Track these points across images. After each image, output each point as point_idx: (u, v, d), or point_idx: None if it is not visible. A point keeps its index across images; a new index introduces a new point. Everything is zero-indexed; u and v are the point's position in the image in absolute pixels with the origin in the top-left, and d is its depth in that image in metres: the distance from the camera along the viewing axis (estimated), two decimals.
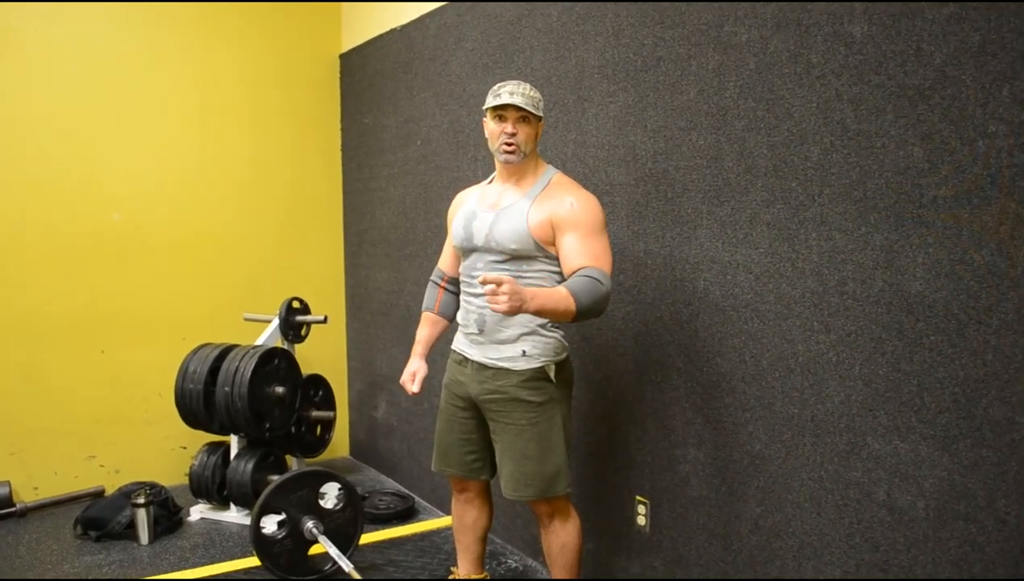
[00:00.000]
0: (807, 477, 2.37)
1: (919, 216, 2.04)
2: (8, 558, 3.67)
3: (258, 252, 4.91)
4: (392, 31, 4.48)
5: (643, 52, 2.84)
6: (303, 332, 4.50)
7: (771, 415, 2.46)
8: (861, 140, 2.16)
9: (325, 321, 4.43)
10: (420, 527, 4.03)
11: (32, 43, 4.20)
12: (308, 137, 5.06)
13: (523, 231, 2.56)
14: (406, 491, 4.53)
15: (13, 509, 4.15)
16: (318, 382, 4.58)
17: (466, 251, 2.73)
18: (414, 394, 2.94)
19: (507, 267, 2.60)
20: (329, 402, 4.63)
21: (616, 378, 3.06)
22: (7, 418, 4.25)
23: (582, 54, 3.11)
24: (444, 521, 4.06)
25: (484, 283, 2.24)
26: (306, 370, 4.44)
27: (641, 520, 2.99)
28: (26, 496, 4.29)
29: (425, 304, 3.04)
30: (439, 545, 3.77)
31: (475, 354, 2.72)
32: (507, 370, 2.64)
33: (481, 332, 2.67)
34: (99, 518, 3.88)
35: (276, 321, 4.37)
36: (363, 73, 4.84)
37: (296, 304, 4.46)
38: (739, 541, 2.60)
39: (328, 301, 5.06)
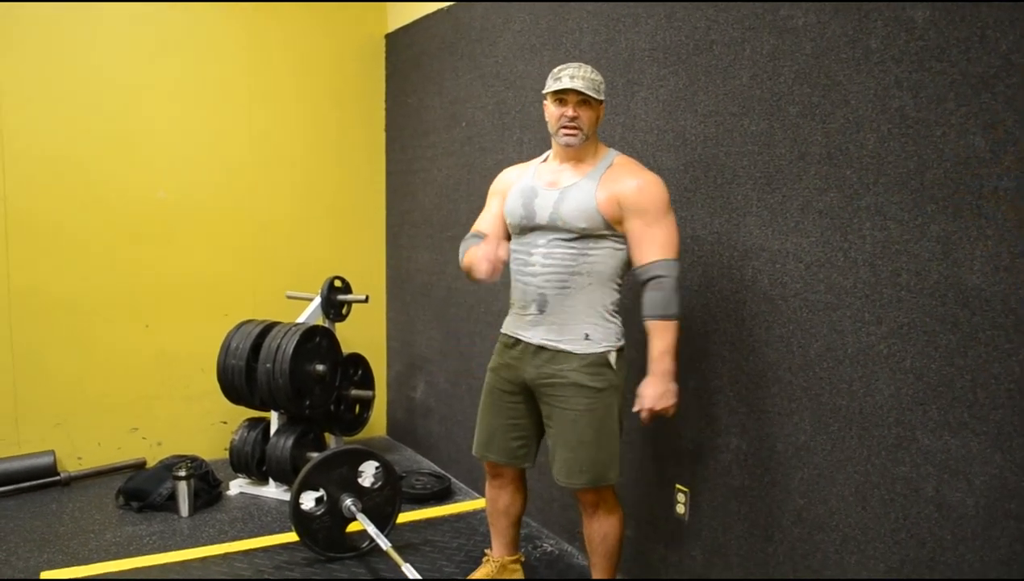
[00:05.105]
0: (853, 470, 2.33)
1: (979, 207, 1.99)
2: (52, 526, 3.74)
3: (301, 231, 4.93)
4: (439, 11, 4.46)
5: (695, 35, 2.79)
6: (344, 311, 4.53)
7: (818, 406, 2.43)
8: (920, 128, 2.11)
9: (366, 300, 4.46)
10: (456, 508, 4.04)
11: (81, 22, 4.24)
12: (352, 117, 5.06)
13: (592, 209, 2.53)
14: (442, 472, 4.54)
15: (58, 478, 4.23)
16: (358, 361, 4.61)
17: (524, 229, 2.67)
18: (501, 257, 2.52)
19: (574, 246, 2.56)
20: (368, 381, 4.65)
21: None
22: (53, 390, 4.32)
23: (632, 36, 3.07)
24: (480, 503, 4.06)
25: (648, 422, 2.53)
26: (346, 349, 4.46)
27: (680, 509, 2.97)
28: (70, 466, 4.37)
29: (466, 248, 2.77)
30: (475, 527, 3.78)
31: (532, 336, 2.67)
32: (568, 353, 2.60)
33: (542, 312, 2.62)
34: (141, 489, 3.94)
35: (318, 299, 4.39)
36: (408, 53, 4.83)
37: (338, 283, 4.48)
38: (780, 533, 2.57)
39: (369, 281, 5.08)
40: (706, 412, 2.83)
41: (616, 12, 3.14)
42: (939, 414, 2.10)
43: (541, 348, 2.65)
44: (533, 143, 3.64)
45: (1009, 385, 1.95)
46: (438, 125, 4.52)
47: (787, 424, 2.53)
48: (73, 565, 3.35)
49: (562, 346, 2.60)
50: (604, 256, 2.58)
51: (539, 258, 2.62)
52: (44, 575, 3.25)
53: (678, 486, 2.98)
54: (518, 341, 2.72)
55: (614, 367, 2.62)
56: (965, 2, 2.00)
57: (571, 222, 2.54)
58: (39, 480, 4.18)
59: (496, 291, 3.92)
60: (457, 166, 4.33)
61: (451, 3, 4.34)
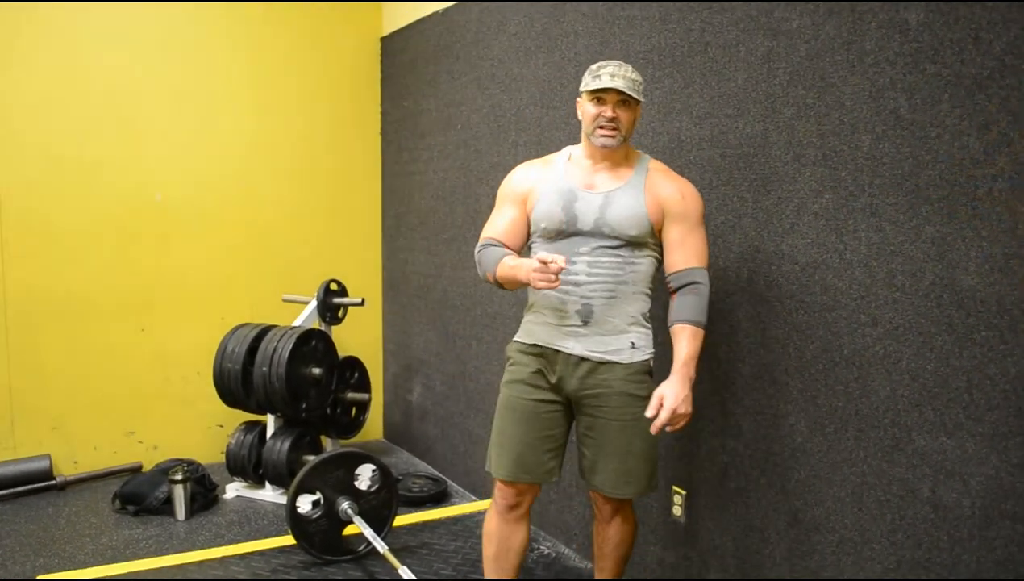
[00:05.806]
0: (849, 472, 2.33)
1: (973, 208, 1.99)
2: (48, 530, 3.74)
3: (297, 234, 4.93)
4: (434, 14, 4.47)
5: (690, 37, 2.80)
6: (340, 314, 4.52)
7: (814, 408, 2.43)
8: (915, 130, 2.11)
9: (362, 303, 4.45)
10: (453, 511, 4.04)
11: (79, 22, 4.24)
12: (348, 120, 5.06)
13: (642, 216, 2.46)
14: (439, 474, 4.54)
15: (54, 482, 4.22)
16: (354, 364, 4.60)
17: (563, 234, 2.51)
18: (561, 267, 2.30)
19: (620, 254, 2.48)
20: (364, 384, 4.65)
21: (655, 368, 3.03)
22: (49, 393, 4.31)
23: (627, 39, 3.07)
24: (477, 505, 4.06)
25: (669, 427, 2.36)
26: (342, 352, 4.46)
27: (677, 510, 2.97)
28: (66, 470, 4.36)
29: (492, 259, 2.56)
30: (471, 529, 3.77)
31: (574, 347, 2.53)
32: (612, 363, 2.51)
33: (586, 323, 2.51)
34: (137, 493, 3.93)
35: (314, 302, 4.39)
36: (404, 56, 4.83)
37: (334, 286, 4.48)
38: (777, 534, 2.57)
39: (365, 284, 5.08)
40: (703, 414, 2.83)
41: (611, 14, 3.15)
42: (935, 415, 2.10)
43: (583, 359, 2.54)
44: (528, 145, 3.64)
45: (1004, 386, 1.95)
46: (434, 128, 4.52)
47: (783, 426, 2.53)
48: (69, 569, 3.34)
49: (607, 357, 2.51)
50: (647, 265, 2.52)
51: (583, 267, 2.48)
52: (40, 578, 3.25)
53: (675, 488, 2.98)
54: (556, 351, 2.56)
55: (653, 375, 2.56)
56: (959, 3, 2.00)
57: (619, 229, 2.45)
58: (35, 484, 4.17)
59: (491, 294, 3.92)
60: (453, 169, 4.33)
61: (446, 5, 4.34)
